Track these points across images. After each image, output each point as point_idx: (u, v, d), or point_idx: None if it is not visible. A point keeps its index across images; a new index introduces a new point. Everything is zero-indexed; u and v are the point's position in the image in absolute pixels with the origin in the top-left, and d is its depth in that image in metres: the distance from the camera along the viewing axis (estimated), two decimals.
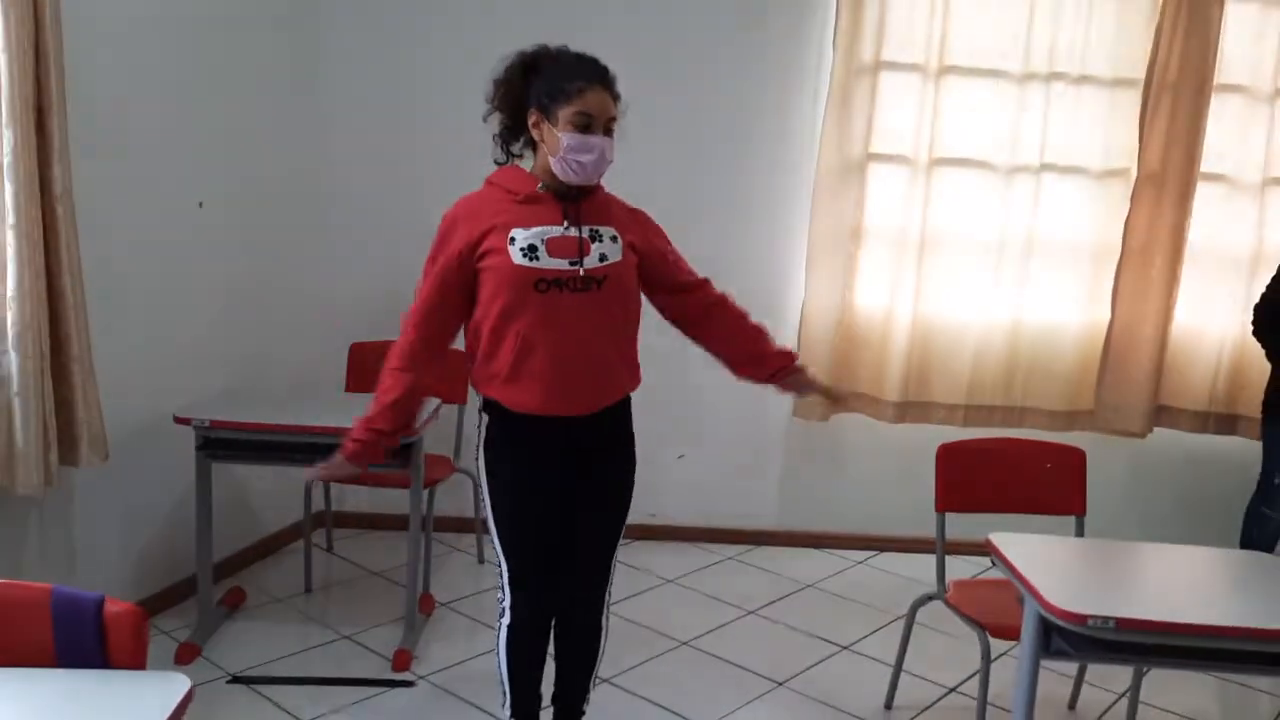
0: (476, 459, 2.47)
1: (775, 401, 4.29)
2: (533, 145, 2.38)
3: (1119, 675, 3.22)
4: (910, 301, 4.12)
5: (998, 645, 2.70)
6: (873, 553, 4.40)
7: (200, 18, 3.44)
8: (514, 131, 2.38)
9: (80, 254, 2.78)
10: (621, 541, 2.58)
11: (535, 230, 2.30)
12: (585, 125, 2.27)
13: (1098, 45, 4.00)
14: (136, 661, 1.59)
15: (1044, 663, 2.24)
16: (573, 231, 2.33)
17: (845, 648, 3.53)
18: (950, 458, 2.99)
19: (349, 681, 3.08)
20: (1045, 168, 4.07)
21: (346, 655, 3.26)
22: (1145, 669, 2.93)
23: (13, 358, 2.60)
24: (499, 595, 2.51)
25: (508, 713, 2.62)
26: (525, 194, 2.34)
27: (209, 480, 3.18)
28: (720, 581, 4.05)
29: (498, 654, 2.56)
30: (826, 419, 4.23)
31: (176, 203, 3.41)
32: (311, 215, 4.07)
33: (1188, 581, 2.44)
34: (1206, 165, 4.06)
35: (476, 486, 2.51)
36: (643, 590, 3.91)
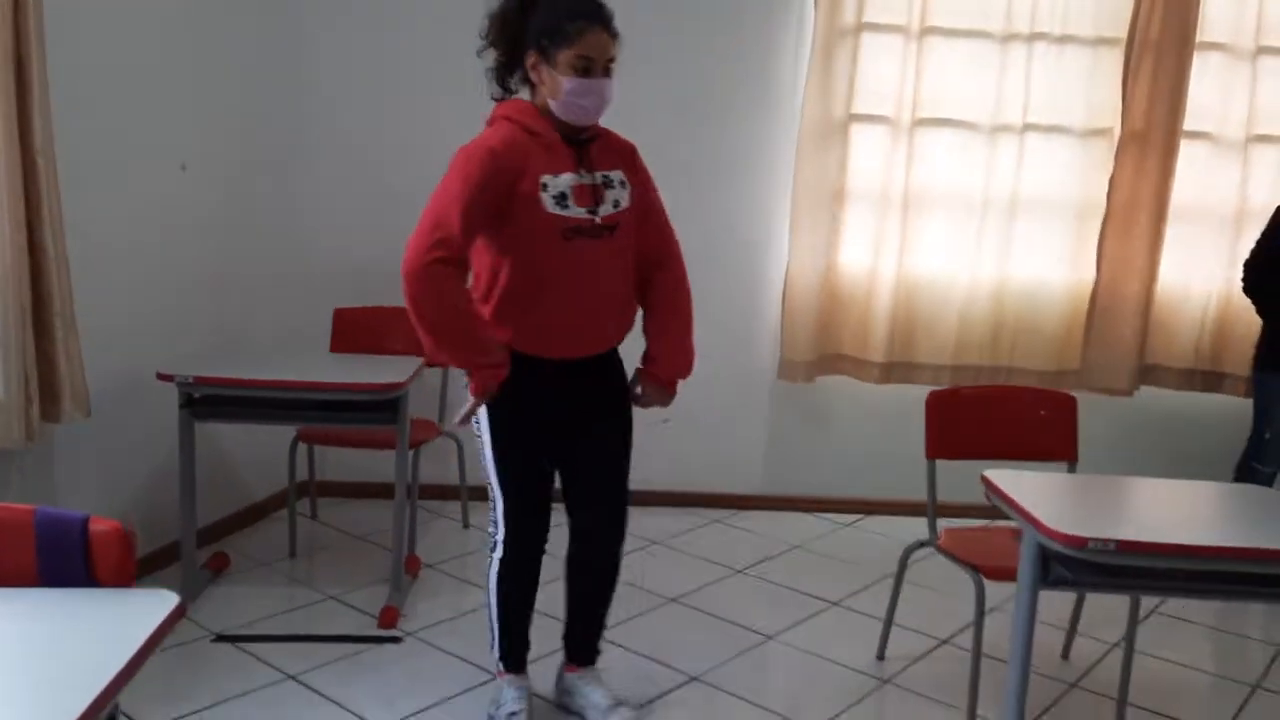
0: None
1: (759, 364, 4.32)
2: (529, 83, 2.35)
3: (1112, 626, 3.22)
4: (894, 262, 4.12)
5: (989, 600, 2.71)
6: (860, 516, 4.40)
7: None
8: (509, 67, 2.35)
9: (62, 209, 2.74)
10: None
11: (564, 178, 2.29)
12: (585, 68, 2.25)
13: (1079, 4, 4.00)
14: (124, 580, 1.57)
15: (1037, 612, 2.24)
16: (587, 179, 2.33)
17: (835, 604, 3.52)
18: (940, 405, 2.98)
19: (336, 639, 3.05)
20: (1028, 127, 4.07)
21: (333, 614, 3.23)
22: (1144, 613, 2.91)
23: None
24: (490, 530, 2.51)
25: (496, 655, 2.60)
26: (547, 139, 2.31)
27: (192, 439, 3.14)
28: (707, 543, 4.04)
29: (488, 593, 2.56)
30: (811, 380, 4.23)
31: (158, 164, 3.37)
32: (294, 181, 4.03)
33: (1186, 511, 2.42)
34: (1190, 123, 4.07)
35: (475, 424, 2.45)
36: (628, 551, 3.84)
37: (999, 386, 3.25)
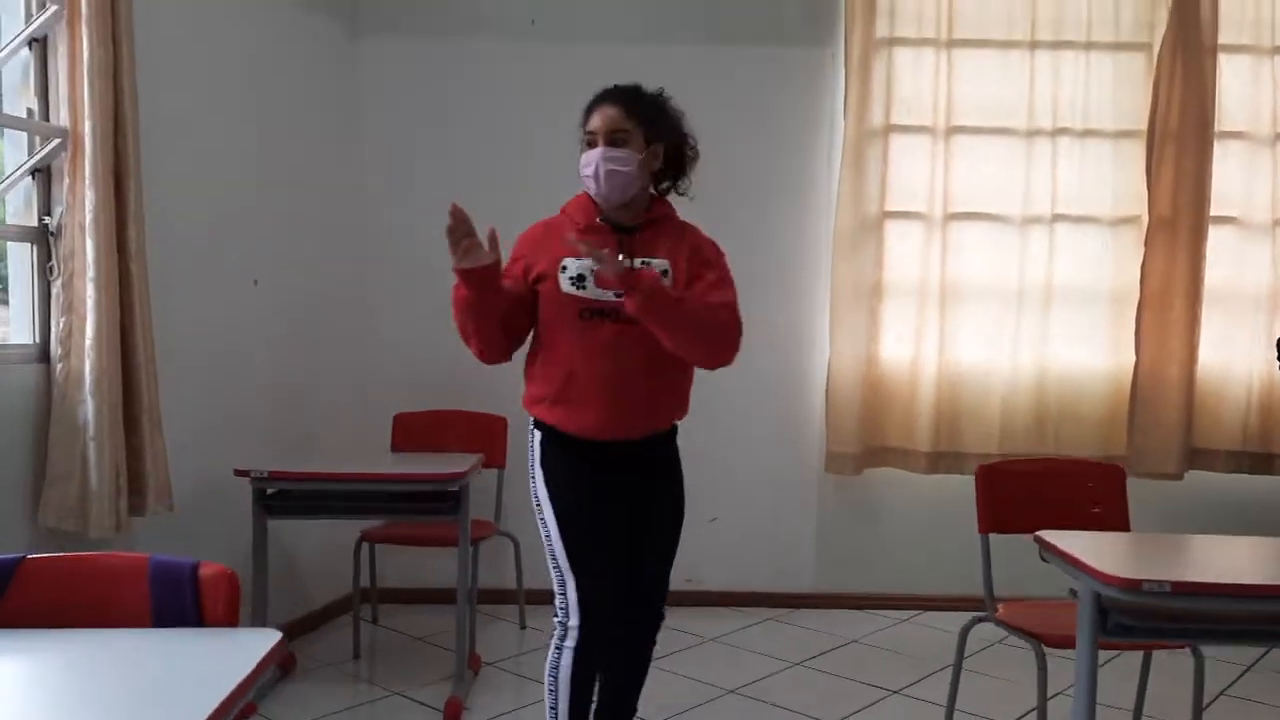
0: (532, 479, 2.53)
1: (806, 459, 4.38)
2: None
3: (1179, 707, 3.17)
4: (935, 352, 4.23)
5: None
6: (917, 611, 4.39)
7: (259, 111, 3.70)
8: None
9: (151, 315, 2.93)
10: None
11: (587, 260, 2.31)
12: (590, 143, 2.44)
13: (1098, 100, 4.21)
14: (229, 620, 1.66)
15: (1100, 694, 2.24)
16: (624, 263, 2.33)
17: (895, 692, 3.50)
18: (990, 479, 3.03)
19: None
20: (1058, 218, 4.23)
21: (398, 709, 3.28)
22: (1211, 696, 2.87)
23: (89, 404, 2.72)
24: (559, 618, 2.49)
25: None
26: (585, 224, 2.46)
27: (265, 536, 3.23)
28: (763, 638, 4.05)
29: (556, 682, 2.51)
30: (859, 473, 4.28)
31: (234, 279, 3.59)
32: (356, 295, 4.28)
33: (1244, 561, 2.42)
34: (1216, 209, 4.20)
35: (537, 509, 2.52)
36: (684, 648, 3.90)
37: (1047, 459, 3.31)
